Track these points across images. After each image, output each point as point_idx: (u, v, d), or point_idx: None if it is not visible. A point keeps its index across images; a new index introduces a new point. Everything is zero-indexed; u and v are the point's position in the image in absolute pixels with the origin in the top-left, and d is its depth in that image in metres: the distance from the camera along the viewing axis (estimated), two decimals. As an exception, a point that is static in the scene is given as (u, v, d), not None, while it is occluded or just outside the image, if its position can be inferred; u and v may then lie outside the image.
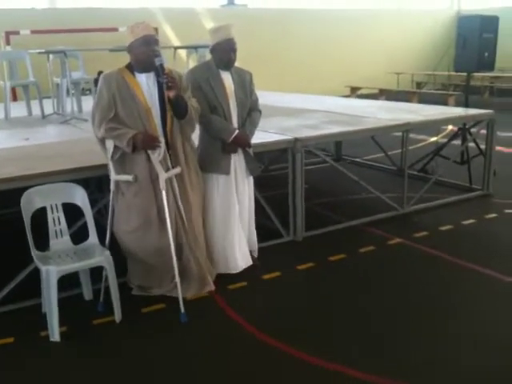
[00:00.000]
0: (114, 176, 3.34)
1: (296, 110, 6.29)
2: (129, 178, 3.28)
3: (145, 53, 3.23)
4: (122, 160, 3.31)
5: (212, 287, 3.62)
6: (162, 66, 3.22)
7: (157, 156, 3.25)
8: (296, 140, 4.36)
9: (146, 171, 3.30)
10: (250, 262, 3.93)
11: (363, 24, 15.64)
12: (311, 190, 4.76)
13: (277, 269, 3.92)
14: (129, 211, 3.37)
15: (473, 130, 5.80)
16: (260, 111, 3.94)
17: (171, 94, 3.22)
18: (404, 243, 4.35)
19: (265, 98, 4.04)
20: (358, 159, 7.23)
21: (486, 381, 2.65)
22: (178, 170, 3.38)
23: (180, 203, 3.43)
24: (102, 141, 3.29)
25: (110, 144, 3.25)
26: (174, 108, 3.32)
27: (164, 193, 3.27)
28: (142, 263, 3.47)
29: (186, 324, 3.23)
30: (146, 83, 3.31)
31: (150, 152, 3.26)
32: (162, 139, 3.29)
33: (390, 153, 6.68)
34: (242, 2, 14.96)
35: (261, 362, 2.87)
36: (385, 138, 6.57)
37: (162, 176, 3.26)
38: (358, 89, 14.15)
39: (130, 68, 3.33)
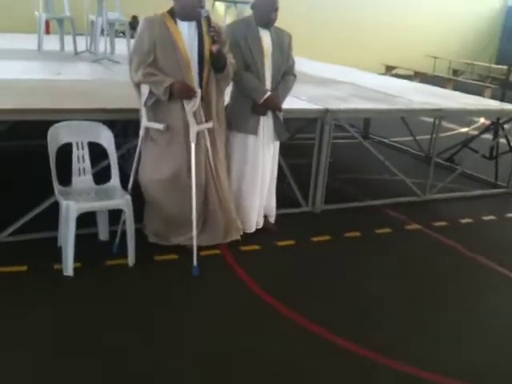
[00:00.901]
0: (145, 122, 3.31)
1: (327, 80, 6.19)
2: (160, 126, 3.25)
3: (191, 2, 3.17)
4: (157, 108, 3.28)
5: (239, 235, 3.72)
6: (208, 17, 3.17)
7: (191, 107, 3.21)
8: (327, 111, 4.28)
9: (179, 121, 3.27)
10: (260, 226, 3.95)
11: (407, 3, 15.21)
12: (335, 164, 4.70)
13: (291, 237, 3.92)
14: (159, 159, 3.35)
15: (506, 125, 5.67)
16: (295, 76, 3.86)
17: (215, 47, 3.19)
18: (421, 230, 4.31)
19: (297, 63, 3.97)
20: (385, 140, 7.12)
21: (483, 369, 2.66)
22: (209, 124, 3.36)
23: (211, 155, 3.43)
24: (138, 85, 3.25)
25: (145, 89, 3.20)
26: (214, 62, 3.27)
27: (193, 145, 3.25)
28: (164, 211, 3.46)
29: (197, 277, 3.26)
30: (187, 32, 3.25)
31: (184, 102, 3.21)
32: (199, 90, 3.24)
33: (418, 137, 6.56)
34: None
35: (261, 321, 2.91)
36: (414, 121, 6.45)
37: (194, 128, 3.24)
38: (393, 68, 13.89)
39: (172, 14, 3.26)
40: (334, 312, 3.06)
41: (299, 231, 4.06)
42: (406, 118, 6.32)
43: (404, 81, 7.28)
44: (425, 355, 2.73)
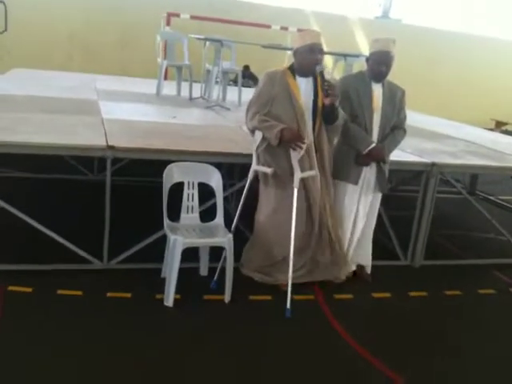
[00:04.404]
0: (254, 166, 3.51)
1: (435, 133, 6.09)
2: (267, 170, 3.43)
3: (308, 60, 3.39)
4: (267, 153, 3.46)
5: (345, 275, 3.79)
6: (322, 73, 3.38)
7: (296, 154, 3.36)
8: (433, 164, 4.22)
9: (287, 167, 3.43)
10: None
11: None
12: (437, 218, 4.57)
13: (387, 290, 3.85)
14: (271, 200, 3.53)
15: None
16: (405, 130, 3.87)
17: (328, 100, 3.35)
18: (528, 294, 4.06)
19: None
20: (491, 197, 6.81)
21: None
22: (313, 172, 3.48)
23: (325, 197, 3.58)
24: (253, 131, 3.48)
25: (258, 136, 3.42)
26: (326, 114, 3.44)
27: (296, 190, 3.37)
28: (274, 251, 3.59)
29: (289, 320, 3.28)
30: (304, 87, 3.47)
31: (291, 150, 3.36)
32: (307, 141, 3.39)
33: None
34: (397, 16, 14.66)
35: (350, 371, 2.88)
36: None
37: (298, 175, 3.38)
38: (504, 124, 13.29)
39: (292, 70, 3.49)
40: (433, 375, 2.93)
41: (396, 284, 3.97)
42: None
43: (517, 138, 6.97)
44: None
